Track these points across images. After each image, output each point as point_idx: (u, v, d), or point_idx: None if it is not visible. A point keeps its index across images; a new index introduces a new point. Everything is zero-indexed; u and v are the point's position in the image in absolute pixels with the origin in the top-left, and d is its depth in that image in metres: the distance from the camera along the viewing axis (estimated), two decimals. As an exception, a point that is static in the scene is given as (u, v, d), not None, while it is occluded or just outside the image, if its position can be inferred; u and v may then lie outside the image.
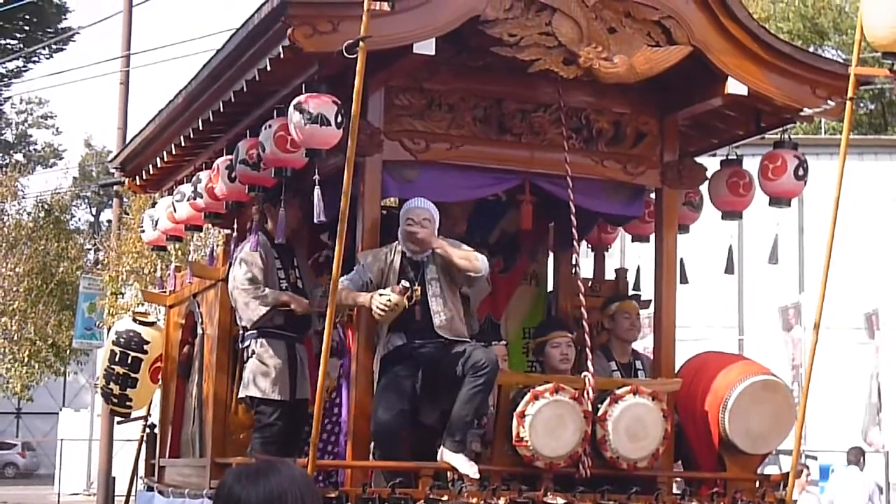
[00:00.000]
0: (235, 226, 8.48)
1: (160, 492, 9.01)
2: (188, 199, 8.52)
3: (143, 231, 10.29)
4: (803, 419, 7.31)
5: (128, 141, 10.62)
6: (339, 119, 6.61)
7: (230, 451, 7.86)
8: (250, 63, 7.05)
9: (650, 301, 8.09)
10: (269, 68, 6.79)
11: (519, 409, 6.86)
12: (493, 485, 6.86)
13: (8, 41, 43.06)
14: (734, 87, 7.32)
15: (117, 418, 11.45)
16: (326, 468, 7.23)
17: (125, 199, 23.86)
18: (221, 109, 7.64)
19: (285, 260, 7.78)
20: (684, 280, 8.02)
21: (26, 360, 28.97)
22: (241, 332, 7.70)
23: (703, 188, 8.28)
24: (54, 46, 42.87)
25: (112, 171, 12.06)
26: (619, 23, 7.14)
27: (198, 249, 21.03)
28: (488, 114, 7.50)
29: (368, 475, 6.90)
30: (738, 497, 7.32)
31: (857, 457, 14.81)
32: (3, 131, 57.31)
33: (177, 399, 9.09)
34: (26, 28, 43.13)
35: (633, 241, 9.12)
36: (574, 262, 7.82)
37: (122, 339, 9.51)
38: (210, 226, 10.13)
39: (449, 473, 6.99)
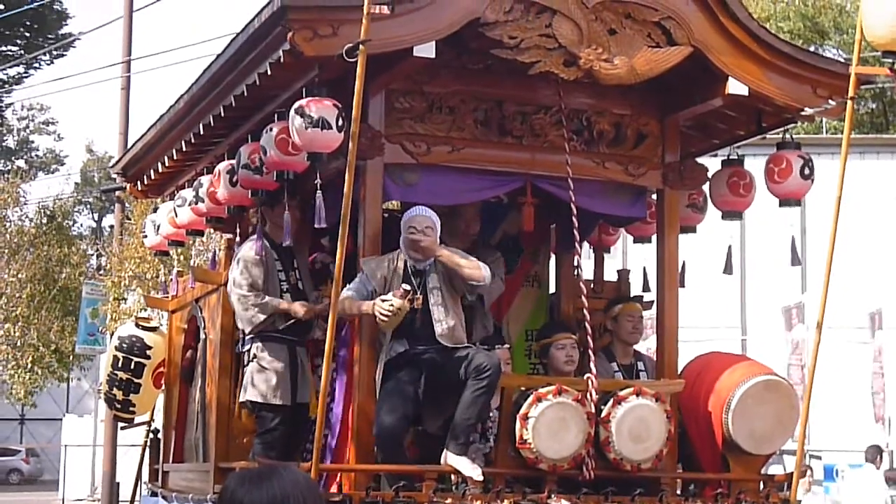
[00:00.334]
0: (237, 230, 8.48)
1: (164, 497, 9.01)
2: (190, 204, 8.52)
3: (145, 236, 10.29)
4: (807, 419, 7.30)
5: (129, 146, 10.62)
6: (340, 122, 6.61)
7: (233, 455, 7.85)
8: (251, 67, 7.05)
9: (653, 302, 8.08)
10: (269, 72, 6.79)
11: (522, 411, 6.86)
12: (497, 487, 6.85)
13: (9, 47, 43.07)
14: (735, 87, 7.31)
15: (121, 424, 11.43)
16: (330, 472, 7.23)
17: (127, 205, 23.86)
18: (222, 114, 7.64)
19: (286, 262, 7.77)
20: (682, 284, 8.01)
21: (29, 366, 28.96)
22: (241, 335, 7.70)
23: (706, 189, 8.28)
24: (55, 52, 42.85)
25: (114, 176, 12.05)
26: (620, 24, 7.14)
27: (200, 254, 21.02)
28: (489, 116, 7.49)
29: (371, 479, 6.89)
30: (742, 498, 7.32)
31: (874, 455, 14.76)
32: (5, 137, 57.33)
33: (180, 404, 9.09)
34: (27, 34, 43.14)
35: (635, 242, 9.12)
36: (576, 263, 7.82)
37: (124, 345, 9.51)
38: (212, 230, 10.13)
39: (452, 476, 6.99)
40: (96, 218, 56.96)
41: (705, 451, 7.57)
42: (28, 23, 42.18)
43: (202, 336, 8.53)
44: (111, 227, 36.32)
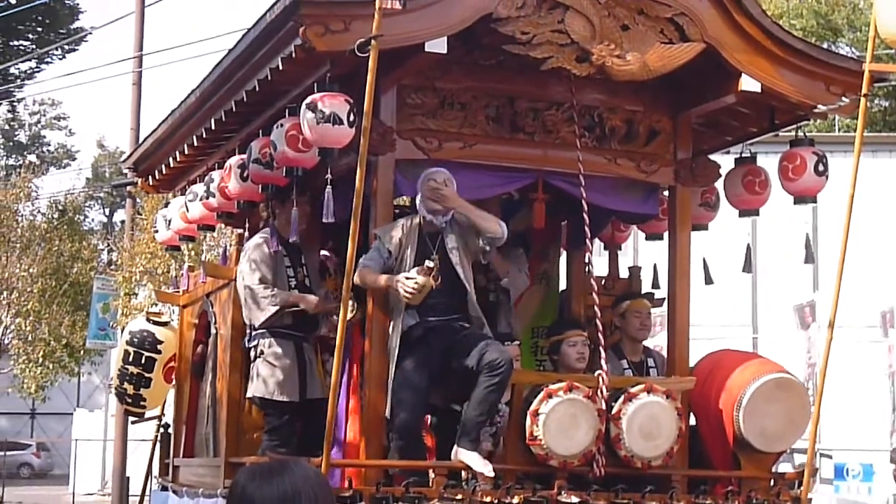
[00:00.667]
0: (248, 225, 8.48)
1: (174, 491, 9.02)
2: (201, 199, 8.52)
3: (156, 231, 10.30)
4: (818, 418, 7.28)
5: (141, 141, 10.63)
6: (352, 118, 6.60)
7: (244, 450, 7.86)
8: (262, 62, 7.05)
9: (663, 299, 8.07)
10: (281, 68, 6.78)
11: (532, 407, 6.85)
12: (507, 484, 6.85)
13: (21, 42, 43.12)
14: (748, 84, 7.29)
15: (131, 418, 11.48)
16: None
17: (138, 200, 23.88)
18: (234, 109, 7.64)
19: (294, 258, 7.77)
20: (709, 281, 8.01)
21: (40, 360, 29.01)
22: (248, 330, 7.70)
23: (719, 186, 8.26)
24: (67, 47, 42.88)
25: (125, 171, 12.07)
26: (632, 20, 7.12)
27: (211, 249, 21.04)
28: (501, 112, 7.48)
29: (382, 474, 6.89)
30: (753, 495, 7.30)
31: None
32: (17, 132, 57.45)
33: (190, 399, 9.10)
34: (39, 29, 43.18)
35: (647, 239, 9.11)
36: (587, 260, 7.81)
37: (135, 339, 9.52)
38: (223, 225, 10.13)
39: (463, 472, 6.98)
40: (107, 213, 57.07)
41: (716, 448, 7.56)
42: (40, 18, 42.22)
43: (213, 331, 8.53)
44: (122, 222, 36.36)
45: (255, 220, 8.52)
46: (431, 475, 6.91)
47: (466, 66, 7.39)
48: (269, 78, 6.97)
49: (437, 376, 7.03)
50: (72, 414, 36.27)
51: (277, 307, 7.49)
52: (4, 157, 56.04)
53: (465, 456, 6.82)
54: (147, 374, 9.51)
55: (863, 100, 6.89)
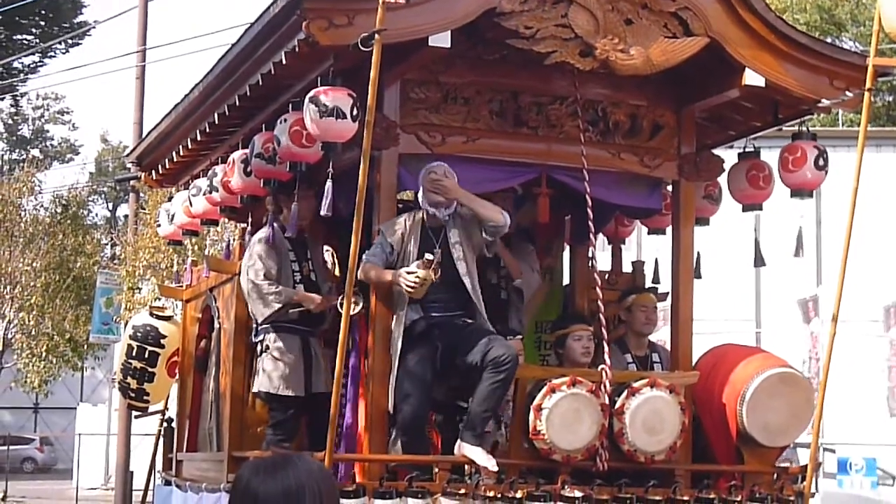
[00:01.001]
0: (251, 219, 8.48)
1: (178, 486, 9.02)
2: (204, 193, 8.52)
3: (159, 225, 10.29)
4: (821, 412, 7.27)
5: (144, 136, 10.63)
6: (355, 112, 6.60)
7: (247, 445, 7.86)
8: (266, 57, 7.05)
9: (668, 294, 8.06)
10: (284, 62, 6.78)
11: (536, 402, 6.85)
12: (511, 478, 6.84)
13: (24, 36, 43.15)
14: (751, 78, 7.29)
15: (135, 413, 11.47)
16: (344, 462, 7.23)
17: (142, 194, 23.88)
18: (237, 103, 7.64)
19: (299, 253, 7.77)
20: (698, 275, 8.00)
21: (44, 355, 29.02)
22: (254, 325, 7.70)
23: (722, 181, 8.26)
24: (70, 42, 42.93)
25: (128, 165, 12.08)
26: (636, 14, 7.12)
27: (214, 244, 21.03)
28: (504, 107, 7.48)
29: (385, 468, 6.89)
30: (756, 490, 7.29)
31: None
32: (20, 127, 57.47)
33: (194, 393, 9.09)
34: (42, 23, 43.21)
35: (649, 233, 9.10)
36: (590, 255, 7.80)
37: (139, 334, 9.51)
38: (226, 220, 10.12)
39: (466, 467, 6.98)
40: (111, 207, 57.06)
41: (719, 443, 7.56)
42: (43, 11, 42.24)
43: (216, 325, 8.54)
44: (126, 216, 36.33)
45: (258, 214, 8.52)
46: (435, 470, 6.91)
47: (470, 60, 7.39)
48: (273, 72, 6.97)
49: (440, 372, 7.02)
50: (75, 408, 36.29)
51: (281, 305, 7.49)
52: (8, 152, 56.06)
53: (468, 450, 6.82)
54: (150, 369, 9.50)
55: (867, 94, 6.89)
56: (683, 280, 7.78)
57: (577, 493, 6.80)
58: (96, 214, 53.73)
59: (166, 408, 10.25)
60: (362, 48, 6.26)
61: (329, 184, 6.73)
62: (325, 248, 8.23)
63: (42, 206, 31.59)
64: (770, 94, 7.61)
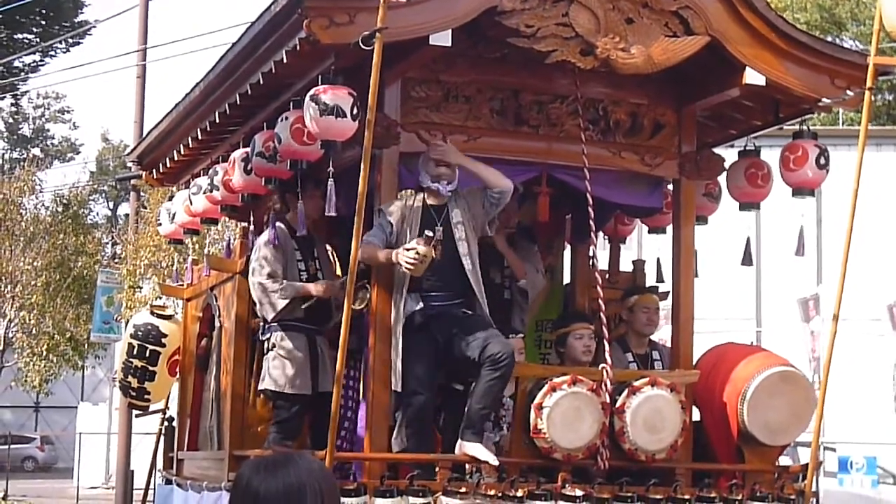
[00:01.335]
0: (252, 218, 8.48)
1: (178, 485, 9.02)
2: (205, 192, 8.52)
3: (159, 224, 10.30)
4: (822, 411, 7.27)
5: (145, 135, 10.62)
6: (355, 111, 6.60)
7: (248, 443, 7.86)
8: (267, 55, 7.05)
9: (668, 293, 8.06)
10: (285, 60, 6.78)
11: (536, 400, 6.85)
12: (511, 477, 6.85)
13: (25, 35, 43.13)
14: (752, 77, 7.29)
15: (135, 412, 11.46)
16: (345, 460, 7.23)
17: (142, 193, 23.88)
18: (238, 102, 7.64)
19: (305, 251, 7.77)
20: (696, 273, 7.99)
21: (45, 354, 29.01)
22: (261, 324, 7.71)
23: (721, 179, 8.26)
24: (71, 41, 42.88)
25: (129, 164, 12.07)
26: (637, 13, 7.11)
27: (215, 243, 21.04)
28: (505, 105, 7.48)
29: (386, 467, 6.89)
30: (757, 489, 7.29)
31: None
32: (21, 126, 57.47)
33: (195, 392, 9.10)
34: (43, 22, 43.19)
35: (650, 232, 9.10)
36: (591, 253, 7.80)
37: (139, 333, 9.52)
38: (227, 218, 10.12)
39: (467, 466, 6.98)
40: (112, 206, 57.09)
41: (720, 441, 7.56)
42: (44, 11, 42.23)
43: (217, 324, 8.54)
44: (126, 215, 36.32)
45: (258, 213, 8.52)
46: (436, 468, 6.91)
47: (471, 59, 7.39)
48: (274, 71, 6.97)
49: (441, 361, 7.01)
50: (76, 407, 36.27)
51: (287, 300, 7.49)
52: (8, 151, 56.05)
53: (469, 448, 6.82)
54: (151, 368, 9.51)
55: (867, 93, 6.88)
56: (684, 279, 7.77)
57: (578, 492, 6.80)
58: (97, 213, 53.72)
59: (167, 407, 10.26)
60: (363, 47, 6.26)
61: (331, 183, 6.73)
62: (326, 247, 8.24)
63: (43, 205, 31.60)
64: (771, 93, 7.61)
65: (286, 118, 7.06)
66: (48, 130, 58.77)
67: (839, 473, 17.20)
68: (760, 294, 24.06)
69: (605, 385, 6.98)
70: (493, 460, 6.80)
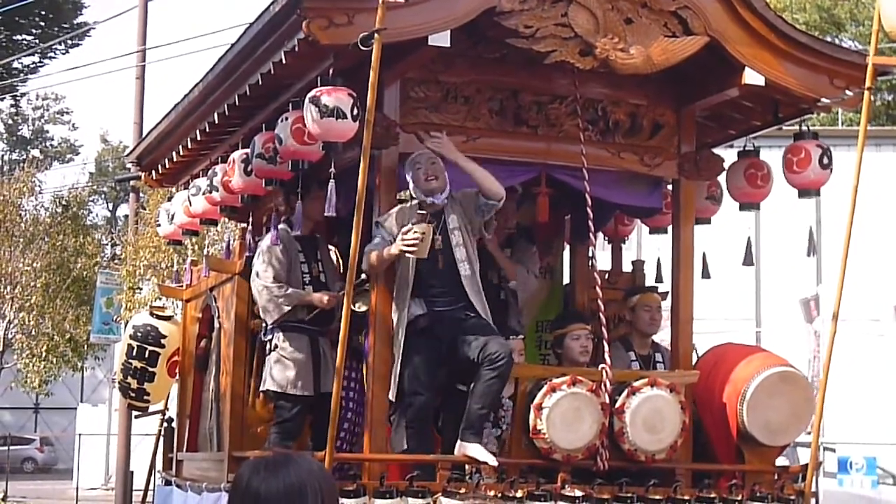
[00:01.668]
0: (251, 219, 8.48)
1: (178, 486, 9.02)
2: (204, 193, 8.51)
3: (158, 225, 10.29)
4: (822, 411, 7.27)
5: (144, 136, 10.62)
6: (355, 112, 6.59)
7: (248, 444, 7.86)
8: (266, 56, 7.04)
9: (668, 293, 8.06)
10: (284, 61, 6.78)
11: (536, 401, 6.85)
12: (511, 477, 6.84)
13: (24, 37, 43.11)
14: (751, 77, 7.29)
15: (135, 413, 11.46)
16: (345, 461, 7.22)
17: (142, 194, 23.87)
18: (237, 103, 7.64)
19: (309, 253, 7.77)
20: (706, 275, 8.00)
21: (44, 355, 28.98)
22: (263, 325, 7.71)
23: (721, 180, 8.26)
24: (70, 42, 42.86)
25: (128, 165, 12.07)
26: (636, 13, 7.12)
27: (214, 243, 21.03)
28: (504, 106, 7.47)
29: (385, 468, 6.89)
30: (757, 489, 7.29)
31: None
32: (20, 127, 57.44)
33: (194, 393, 9.09)
34: (42, 24, 43.16)
35: (650, 232, 9.10)
36: (590, 254, 7.80)
37: (139, 334, 9.51)
38: (226, 219, 10.11)
39: (467, 466, 6.98)
40: (111, 207, 57.05)
41: (720, 442, 7.56)
42: (43, 12, 42.20)
43: (216, 325, 8.54)
44: (126, 216, 36.31)
45: (258, 214, 8.52)
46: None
47: (470, 59, 7.39)
48: (273, 72, 6.97)
49: (445, 364, 7.02)
50: (75, 408, 36.26)
51: (290, 307, 7.50)
52: (8, 152, 56.06)
53: (468, 448, 6.82)
54: (151, 369, 9.50)
55: (866, 93, 6.88)
56: (684, 279, 7.77)
57: (578, 493, 6.80)
58: (96, 214, 53.71)
59: (166, 408, 10.25)
60: (362, 47, 6.26)
61: (332, 184, 6.72)
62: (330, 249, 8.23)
63: (42, 206, 31.57)
64: (770, 93, 7.61)
65: (286, 119, 7.06)
66: (47, 132, 58.77)
67: (839, 474, 17.17)
68: (760, 294, 24.04)
69: (605, 385, 6.98)
70: (492, 461, 6.80)
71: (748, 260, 8.26)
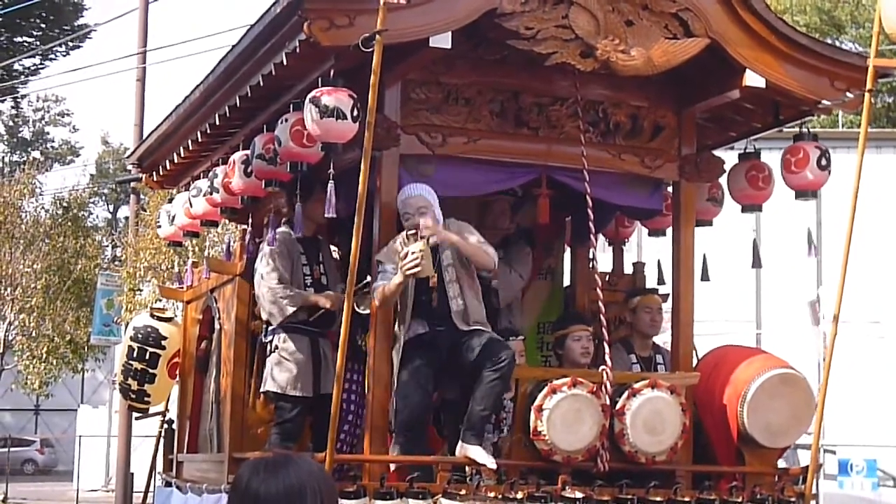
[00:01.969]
0: (251, 221, 8.47)
1: (178, 487, 9.02)
2: (205, 195, 8.51)
3: (159, 226, 10.29)
4: (822, 413, 7.27)
5: (145, 137, 10.63)
6: (356, 113, 6.59)
7: (248, 445, 7.86)
8: (267, 57, 7.04)
9: (668, 295, 8.06)
10: (285, 63, 6.77)
11: (536, 402, 6.85)
12: (511, 479, 6.84)
13: (25, 39, 43.15)
14: (752, 79, 7.29)
15: (135, 414, 11.47)
16: (345, 462, 7.22)
17: (142, 196, 23.89)
18: (238, 104, 7.64)
19: (311, 255, 7.77)
20: (705, 277, 8.00)
21: (44, 356, 29.00)
22: (264, 326, 7.71)
23: (722, 182, 8.26)
24: (71, 44, 42.91)
25: (129, 167, 12.08)
26: (637, 15, 7.12)
27: (214, 245, 21.03)
28: (505, 107, 7.47)
29: (386, 468, 6.88)
30: (757, 491, 7.29)
31: None
32: (21, 129, 57.47)
33: (194, 394, 9.09)
34: (43, 26, 43.20)
35: (650, 235, 9.10)
36: (591, 255, 7.80)
37: (139, 335, 9.52)
38: (226, 221, 10.12)
39: (467, 468, 6.98)
40: (112, 209, 57.06)
41: (720, 443, 7.55)
42: (44, 14, 42.25)
43: (217, 326, 8.53)
44: (126, 218, 36.31)
45: (258, 215, 8.51)
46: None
47: (471, 61, 7.39)
48: (274, 73, 6.97)
49: (447, 373, 7.01)
50: (76, 410, 36.24)
51: (295, 308, 7.50)
52: (8, 154, 56.07)
53: (469, 450, 6.81)
54: (151, 370, 9.51)
55: (867, 95, 6.88)
56: (684, 281, 7.77)
57: (578, 494, 6.80)
58: (97, 216, 53.71)
59: (167, 409, 10.25)
60: (363, 49, 6.26)
61: (331, 185, 6.72)
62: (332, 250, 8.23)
63: (43, 207, 31.61)
64: (770, 95, 7.61)
65: (286, 120, 7.06)
66: (48, 133, 58.82)
67: (839, 476, 17.17)
68: (760, 296, 24.04)
69: (606, 387, 6.98)
70: (492, 463, 6.80)
71: (756, 262, 8.26)
